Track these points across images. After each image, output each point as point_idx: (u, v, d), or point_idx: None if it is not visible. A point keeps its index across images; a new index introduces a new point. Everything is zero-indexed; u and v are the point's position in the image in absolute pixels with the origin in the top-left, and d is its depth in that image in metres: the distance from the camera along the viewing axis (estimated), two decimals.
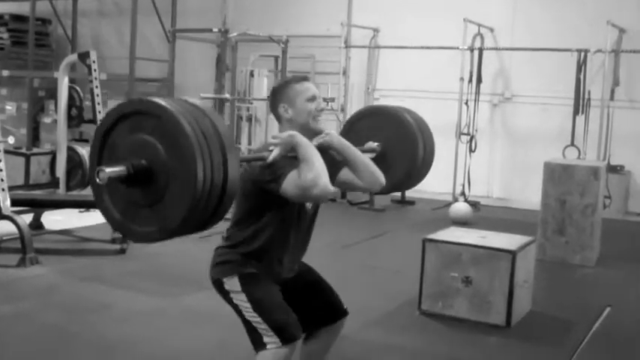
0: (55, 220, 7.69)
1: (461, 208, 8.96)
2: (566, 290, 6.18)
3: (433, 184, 10.86)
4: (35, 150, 10.47)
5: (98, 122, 7.63)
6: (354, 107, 11.76)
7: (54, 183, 8.37)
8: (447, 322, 5.02)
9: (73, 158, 8.23)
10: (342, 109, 11.43)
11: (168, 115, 2.47)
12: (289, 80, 3.22)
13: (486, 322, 4.95)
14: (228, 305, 3.11)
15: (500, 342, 4.72)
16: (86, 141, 10.46)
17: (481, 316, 4.98)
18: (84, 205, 7.55)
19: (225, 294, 3.12)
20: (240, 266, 3.09)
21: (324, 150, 3.14)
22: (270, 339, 2.99)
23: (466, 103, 10.21)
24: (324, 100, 11.07)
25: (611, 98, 9.90)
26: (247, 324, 3.07)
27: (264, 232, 3.08)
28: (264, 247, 3.09)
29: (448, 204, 9.56)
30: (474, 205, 9.57)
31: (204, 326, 4.80)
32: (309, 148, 2.92)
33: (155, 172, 2.50)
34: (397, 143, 3.62)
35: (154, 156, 2.49)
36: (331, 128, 10.05)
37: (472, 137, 10.08)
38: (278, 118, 3.19)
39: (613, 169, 9.72)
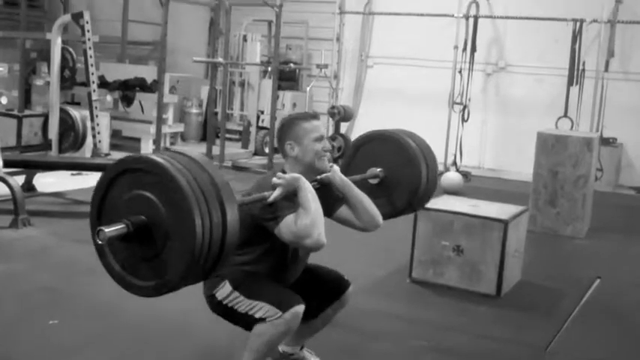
0: (47, 182, 7.66)
1: (452, 177, 8.97)
2: (557, 261, 6.23)
3: None
4: (27, 112, 10.40)
5: (91, 84, 7.61)
6: (347, 74, 11.75)
7: (46, 145, 8.35)
8: (437, 290, 5.05)
9: (65, 121, 8.21)
10: (335, 76, 11.40)
11: (165, 173, 2.48)
12: (298, 117, 3.22)
13: (477, 290, 4.98)
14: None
15: (491, 311, 4.76)
16: (78, 104, 10.39)
17: (472, 285, 5.01)
18: (76, 167, 7.53)
19: (218, 306, 3.12)
20: (231, 273, 3.09)
21: (326, 185, 3.19)
22: (269, 312, 2.99)
23: (460, 72, 10.20)
24: (317, 66, 11.04)
25: (606, 69, 9.90)
26: (244, 317, 3.05)
27: (259, 260, 3.12)
28: (259, 270, 3.13)
29: (440, 173, 9.56)
30: (466, 175, 9.59)
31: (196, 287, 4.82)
32: (309, 195, 2.94)
33: (154, 229, 2.52)
34: (400, 169, 3.63)
35: (153, 212, 2.51)
36: (324, 95, 9.97)
37: (465, 107, 10.07)
38: (283, 153, 3.20)
39: (605, 142, 9.75)
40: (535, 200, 7.05)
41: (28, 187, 7.34)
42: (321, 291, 3.35)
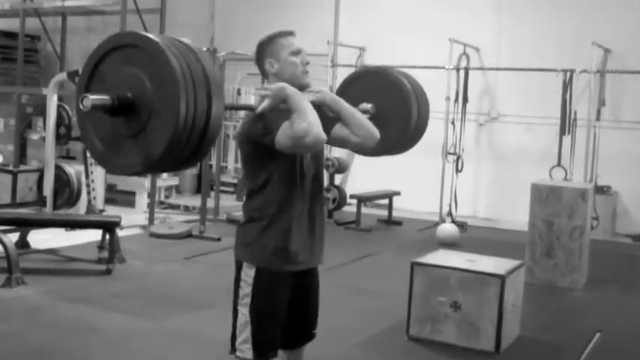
0: (41, 238, 7.63)
1: (448, 229, 8.95)
2: (556, 314, 6.17)
3: (420, 204, 10.94)
4: (22, 167, 10.41)
5: None
6: None
7: (41, 201, 8.34)
8: (435, 348, 5.00)
9: (60, 177, 8.22)
10: None
11: (156, 49, 2.49)
12: (274, 35, 3.17)
13: (475, 348, 4.94)
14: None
15: None
16: (74, 159, 10.40)
17: (470, 342, 4.97)
18: (71, 224, 7.53)
19: (237, 275, 3.10)
20: (262, 256, 3.05)
21: (317, 107, 3.10)
22: (244, 347, 3.01)
23: (452, 123, 10.25)
24: None
25: (597, 118, 9.96)
26: (235, 316, 3.07)
27: (273, 194, 3.03)
28: (276, 210, 3.04)
29: (435, 224, 9.57)
30: (461, 225, 9.58)
31: (189, 348, 4.78)
32: (300, 99, 2.89)
33: (139, 104, 2.53)
34: (391, 106, 3.58)
35: (140, 88, 2.52)
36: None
37: (458, 157, 10.10)
38: (264, 73, 3.16)
39: (600, 190, 9.78)
40: (531, 252, 7.03)
41: (22, 244, 7.31)
42: (295, 331, 3.24)
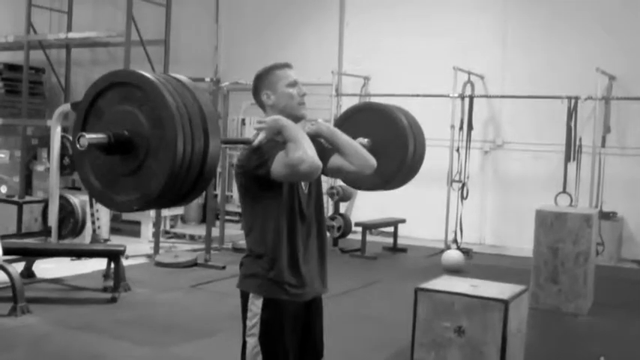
0: (46, 268, 7.65)
1: (453, 255, 8.94)
2: (560, 340, 6.14)
3: (425, 231, 10.94)
4: (28, 198, 10.46)
5: None
6: None
7: (46, 231, 8.37)
8: None
9: (65, 207, 8.25)
10: None
11: (151, 87, 2.50)
12: (271, 66, 3.20)
13: None
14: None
15: None
16: (79, 189, 10.44)
17: None
18: (75, 253, 7.55)
19: (244, 307, 3.09)
20: (268, 285, 3.04)
21: (313, 138, 3.11)
22: None
23: (457, 150, 10.27)
24: None
25: (603, 145, 9.99)
26: (244, 346, 3.05)
27: (272, 226, 3.02)
28: (277, 243, 3.03)
29: (440, 251, 9.55)
30: (467, 252, 9.56)
31: None
32: (294, 129, 2.90)
33: (136, 142, 2.53)
34: (388, 141, 3.60)
35: (136, 126, 2.52)
36: (322, 177, 10.02)
37: (464, 184, 10.11)
38: (262, 105, 3.17)
39: (605, 216, 9.76)
40: (536, 277, 7.01)
41: (28, 273, 7.34)
42: (300, 353, 3.21)
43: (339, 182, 11.17)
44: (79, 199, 8.44)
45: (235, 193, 11.66)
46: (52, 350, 5.30)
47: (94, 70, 13.90)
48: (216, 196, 10.64)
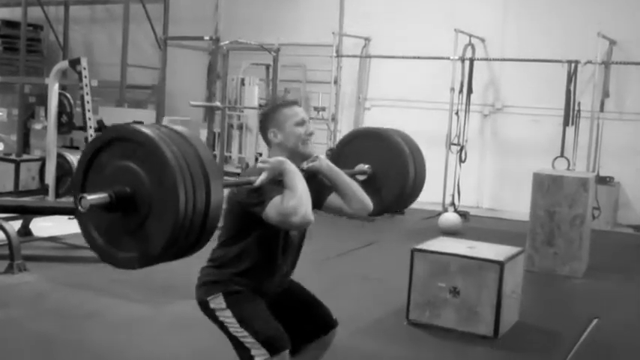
0: (44, 226, 7.66)
1: (450, 218, 8.97)
2: (554, 301, 6.19)
3: (423, 194, 10.89)
4: (25, 156, 10.44)
5: (89, 129, 7.65)
6: (344, 116, 11.81)
7: (43, 190, 8.36)
8: (434, 332, 5.02)
9: (62, 165, 8.24)
10: (333, 119, 11.45)
11: (150, 143, 2.47)
12: (278, 105, 3.22)
13: (474, 332, 4.96)
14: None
15: (488, 352, 4.73)
16: (77, 148, 10.43)
17: (469, 327, 4.99)
18: (72, 212, 7.53)
19: (210, 313, 3.11)
20: (226, 285, 3.09)
21: (313, 174, 3.17)
22: (258, 351, 2.98)
23: (456, 114, 10.24)
24: (315, 109, 11.11)
25: (601, 110, 9.97)
26: (234, 340, 3.06)
27: (251, 254, 3.08)
28: (251, 268, 3.08)
29: (438, 214, 9.57)
30: (464, 215, 9.59)
31: (192, 334, 4.79)
32: (295, 177, 2.91)
33: (138, 200, 2.51)
34: (388, 166, 3.61)
35: (137, 183, 2.50)
36: (322, 137, 10.05)
37: (462, 147, 10.10)
38: (268, 142, 3.19)
39: (602, 181, 9.77)
40: (532, 240, 7.04)
41: (25, 231, 7.34)
42: (308, 324, 3.30)
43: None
44: (76, 158, 8.42)
45: (234, 154, 11.65)
46: (49, 307, 5.32)
47: (92, 27, 13.82)
48: (215, 156, 10.62)
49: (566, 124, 9.65)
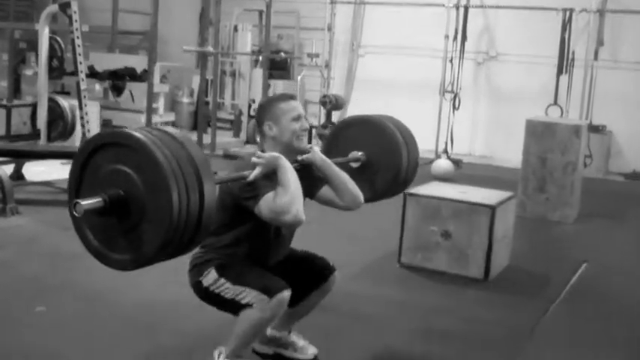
0: (36, 171, 7.64)
1: (442, 165, 8.99)
2: (545, 246, 6.25)
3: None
4: (16, 102, 10.37)
5: (80, 74, 7.59)
6: (338, 64, 11.74)
7: (35, 134, 8.33)
8: (426, 275, 5.07)
9: (54, 110, 8.19)
10: (327, 65, 11.39)
11: (142, 147, 2.48)
12: (276, 98, 3.25)
13: (465, 275, 5.00)
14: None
15: (478, 294, 4.78)
16: (68, 93, 10.36)
17: (460, 269, 5.03)
18: (64, 156, 7.50)
19: (205, 292, 3.14)
20: (217, 261, 3.12)
21: (307, 166, 3.20)
22: (256, 298, 3.00)
23: (450, 61, 10.19)
24: (308, 55, 11.03)
25: (595, 58, 9.93)
26: (231, 303, 3.06)
27: (242, 241, 3.14)
28: (243, 252, 3.14)
29: (431, 161, 9.57)
30: (457, 162, 9.60)
31: (182, 274, 4.82)
32: (289, 174, 2.94)
33: (131, 203, 2.53)
34: (381, 153, 3.63)
35: (131, 186, 2.52)
36: (315, 84, 10.00)
37: (456, 95, 10.07)
38: (262, 134, 3.21)
39: (595, 129, 9.78)
40: (524, 187, 7.07)
41: (17, 175, 7.32)
42: (306, 276, 3.35)
43: (333, 91, 11.16)
44: (68, 102, 8.38)
45: (227, 101, 11.61)
46: (42, 250, 5.32)
47: None
48: (207, 103, 10.58)
49: (560, 72, 9.64)
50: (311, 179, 3.21)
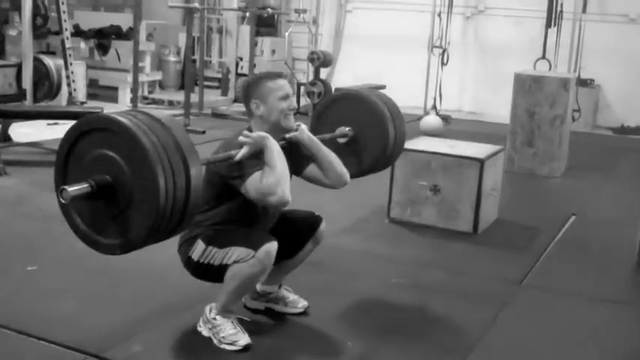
0: (23, 132, 7.59)
1: (431, 120, 8.98)
2: (533, 200, 6.28)
3: (405, 98, 10.87)
4: (1, 62, 10.26)
5: (64, 31, 7.51)
6: (326, 20, 11.64)
7: (21, 95, 8.26)
8: (415, 229, 5.10)
9: (39, 69, 8.12)
10: (314, 21, 11.30)
11: (128, 133, 2.47)
12: (263, 76, 3.22)
13: (454, 229, 5.04)
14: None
15: (468, 248, 4.82)
16: (53, 53, 10.25)
17: (449, 223, 5.06)
18: (51, 115, 7.46)
19: (196, 267, 3.15)
20: (204, 234, 3.13)
21: (294, 144, 3.20)
22: (242, 253, 3.02)
23: (439, 16, 10.11)
24: (296, 11, 10.94)
25: (584, 11, 9.87)
26: (220, 269, 3.07)
27: (230, 219, 3.14)
28: (231, 229, 3.15)
29: (420, 117, 9.57)
30: (445, 118, 9.59)
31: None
32: (276, 154, 2.94)
33: (118, 188, 2.53)
34: (368, 129, 3.64)
35: (117, 172, 2.51)
36: (303, 41, 9.95)
37: (444, 50, 10.01)
38: (249, 112, 3.19)
39: (583, 83, 9.78)
40: (512, 141, 7.08)
41: (4, 137, 7.28)
42: (294, 232, 3.38)
43: (322, 47, 11.08)
44: (53, 62, 8.30)
45: (215, 59, 11.53)
46: (30, 210, 5.31)
47: None
48: (194, 61, 10.49)
49: (548, 25, 9.58)
50: (298, 157, 3.24)
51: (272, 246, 3.04)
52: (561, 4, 9.60)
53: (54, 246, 4.53)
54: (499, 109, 9.95)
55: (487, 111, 10.63)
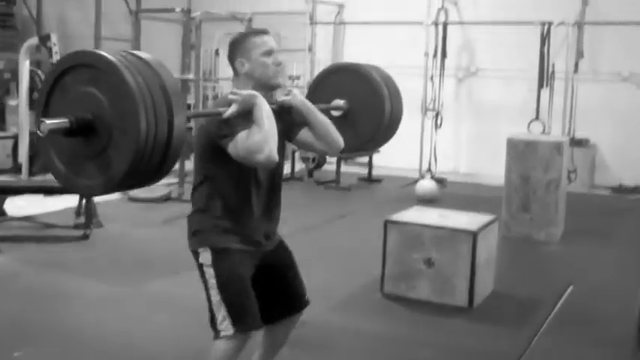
0: (17, 206, 7.58)
1: (426, 185, 8.97)
2: (530, 268, 6.20)
3: (400, 161, 10.93)
4: (0, 134, 10.30)
5: None
6: None
7: (16, 168, 8.25)
8: (409, 305, 5.02)
9: (35, 144, 8.11)
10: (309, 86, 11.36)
11: (110, 68, 2.45)
12: (247, 33, 3.14)
13: (449, 303, 4.97)
14: (197, 284, 3.10)
15: (463, 323, 4.73)
16: None
17: (444, 298, 5.00)
18: (46, 190, 7.44)
19: (199, 266, 3.10)
20: (214, 237, 3.06)
21: (286, 109, 3.13)
22: (224, 325, 2.99)
23: (431, 79, 10.20)
24: (290, 77, 11.02)
25: (575, 71, 9.95)
26: (209, 301, 3.05)
27: (223, 192, 3.04)
28: (227, 207, 3.04)
29: (415, 181, 9.56)
30: (441, 181, 9.59)
31: (166, 313, 4.78)
32: (264, 113, 2.87)
33: (99, 127, 2.49)
34: (364, 101, 3.58)
35: (98, 108, 2.48)
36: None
37: (438, 113, 10.07)
38: (235, 71, 3.12)
39: (578, 143, 9.79)
40: (508, 206, 7.05)
41: None
42: (284, 303, 3.29)
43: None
44: None
45: None
46: (20, 289, 5.27)
47: (65, 1, 13.59)
48: (190, 129, 10.52)
49: (540, 86, 9.65)
50: (290, 122, 3.13)
51: (255, 334, 3.05)
52: (553, 65, 9.68)
53: (42, 328, 4.49)
54: (495, 169, 9.93)
55: (483, 172, 10.62)
